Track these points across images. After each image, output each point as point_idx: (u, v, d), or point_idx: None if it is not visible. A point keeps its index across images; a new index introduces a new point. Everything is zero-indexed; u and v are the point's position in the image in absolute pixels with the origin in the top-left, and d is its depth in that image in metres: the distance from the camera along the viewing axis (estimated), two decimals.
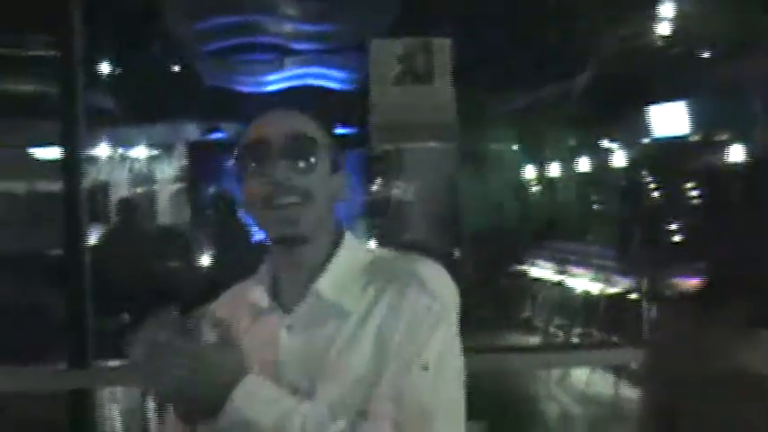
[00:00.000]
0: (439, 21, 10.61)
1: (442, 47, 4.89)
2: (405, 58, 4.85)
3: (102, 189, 17.10)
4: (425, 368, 2.63)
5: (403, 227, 17.59)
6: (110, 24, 12.37)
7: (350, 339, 2.68)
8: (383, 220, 18.43)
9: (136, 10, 13.08)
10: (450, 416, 2.69)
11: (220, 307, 2.88)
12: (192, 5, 13.50)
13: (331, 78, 14.53)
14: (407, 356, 2.62)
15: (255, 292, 2.80)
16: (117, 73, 16.86)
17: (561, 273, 14.64)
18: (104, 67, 16.61)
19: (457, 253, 15.47)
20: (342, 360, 2.65)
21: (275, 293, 2.78)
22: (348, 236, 2.80)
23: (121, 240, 11.05)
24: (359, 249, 2.83)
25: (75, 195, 4.75)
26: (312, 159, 2.67)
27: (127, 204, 13.14)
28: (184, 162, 18.58)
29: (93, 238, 11.26)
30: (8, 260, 12.41)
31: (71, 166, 4.72)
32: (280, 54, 15.53)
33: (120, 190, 17.53)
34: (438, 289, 2.72)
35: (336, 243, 2.77)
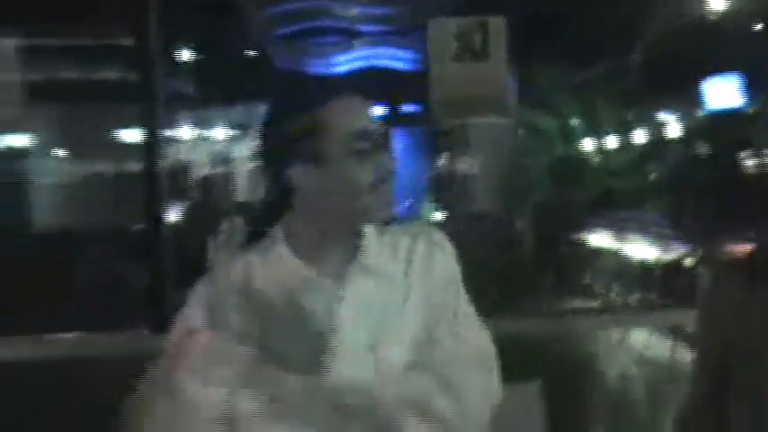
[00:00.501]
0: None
1: (497, 25, 4.86)
2: (461, 36, 4.86)
3: (183, 168, 17.11)
4: (457, 318, 2.74)
5: (468, 199, 17.67)
6: (187, 12, 12.48)
7: (398, 303, 2.74)
8: (450, 193, 18.54)
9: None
10: (483, 362, 2.77)
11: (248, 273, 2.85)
12: None
13: (397, 58, 14.55)
14: (448, 311, 2.73)
15: (299, 264, 2.78)
16: (195, 59, 17.26)
17: (619, 241, 14.63)
18: (184, 54, 16.91)
19: (519, 223, 15.66)
20: (396, 323, 2.71)
21: (319, 265, 2.77)
22: None
23: (200, 216, 11.18)
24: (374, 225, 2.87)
25: (154, 175, 4.73)
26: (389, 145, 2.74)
27: (205, 183, 13.34)
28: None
29: (173, 215, 11.51)
30: (98, 236, 12.58)
31: (151, 148, 4.73)
32: (347, 36, 15.67)
33: (200, 169, 17.64)
34: (451, 251, 2.83)
35: None
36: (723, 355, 2.90)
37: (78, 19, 12.08)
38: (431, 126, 14.24)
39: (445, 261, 2.85)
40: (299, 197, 2.73)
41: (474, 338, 2.85)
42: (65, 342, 4.97)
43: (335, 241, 2.79)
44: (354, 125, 2.63)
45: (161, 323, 4.63)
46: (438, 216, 17.84)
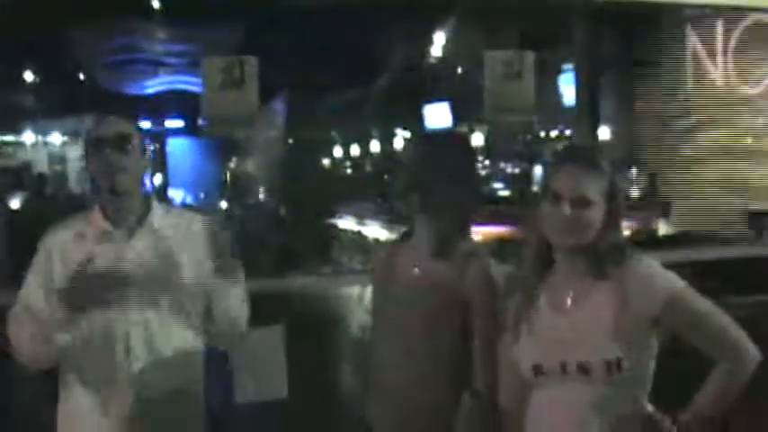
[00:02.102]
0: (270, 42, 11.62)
1: (251, 62, 5.16)
2: (225, 70, 5.15)
3: (25, 166, 17.46)
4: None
5: (248, 192, 18.48)
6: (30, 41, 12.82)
7: (175, 265, 3.19)
8: (236, 188, 19.19)
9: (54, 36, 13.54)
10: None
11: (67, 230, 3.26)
12: (93, 31, 14.15)
13: (192, 84, 14.80)
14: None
15: (102, 221, 3.21)
16: (38, 79, 17.66)
17: (359, 224, 15.52)
18: (28, 76, 17.38)
19: (283, 211, 16.48)
20: (169, 283, 3.18)
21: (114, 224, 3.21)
22: (154, 197, 3.34)
23: (35, 205, 11.41)
24: (162, 204, 3.34)
25: None
26: (127, 151, 3.13)
27: (41, 178, 13.76)
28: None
29: (14, 203, 11.74)
30: None
31: None
32: (155, 66, 16.15)
33: (38, 167, 17.65)
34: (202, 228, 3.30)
35: (148, 200, 3.27)
36: None
37: None
38: (214, 136, 14.81)
39: (209, 234, 3.27)
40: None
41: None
42: None
43: (115, 212, 3.19)
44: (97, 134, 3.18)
45: None
46: (224, 205, 18.33)
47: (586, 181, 2.60)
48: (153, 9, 12.76)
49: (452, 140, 3.38)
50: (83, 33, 14.51)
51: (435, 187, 3.01)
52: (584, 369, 2.58)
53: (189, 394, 3.27)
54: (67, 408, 3.22)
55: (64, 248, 3.19)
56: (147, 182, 3.47)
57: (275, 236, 14.37)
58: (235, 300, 3.28)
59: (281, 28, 13.23)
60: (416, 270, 3.10)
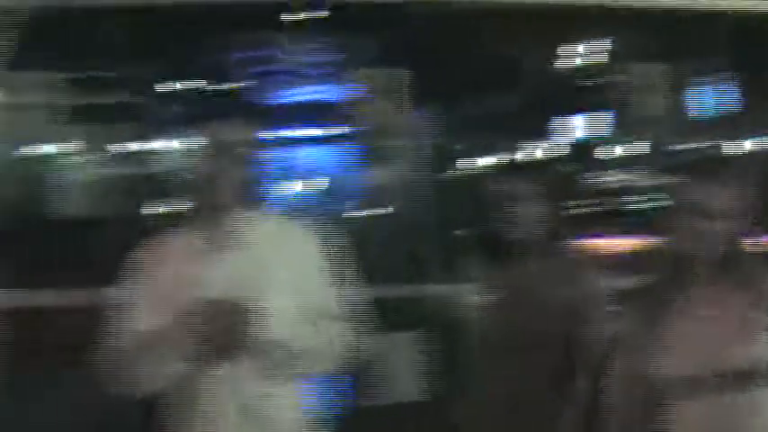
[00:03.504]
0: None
1: (398, 73, 5.00)
2: (373, 80, 5.02)
3: (171, 172, 15.02)
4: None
5: (387, 201, 18.51)
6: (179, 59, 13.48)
7: (270, 283, 3.25)
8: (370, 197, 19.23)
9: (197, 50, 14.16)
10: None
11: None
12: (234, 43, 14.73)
13: (332, 93, 15.04)
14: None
15: (198, 234, 3.24)
16: (185, 89, 16.98)
17: None
18: (177, 85, 16.66)
19: (428, 219, 15.58)
20: (264, 301, 3.19)
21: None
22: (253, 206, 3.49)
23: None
24: (260, 215, 3.42)
25: (142, 176, 4.82)
26: (242, 160, 3.23)
27: (184, 182, 14.30)
28: None
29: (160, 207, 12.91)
30: (106, 219, 13.62)
31: (140, 156, 4.76)
32: (298, 77, 16.59)
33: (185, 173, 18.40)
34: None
35: (247, 210, 3.39)
36: None
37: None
38: (359, 144, 15.01)
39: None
40: None
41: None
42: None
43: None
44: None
45: None
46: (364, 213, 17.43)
47: (727, 195, 2.66)
48: (293, 21, 13.03)
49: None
50: (225, 46, 14.99)
51: None
52: (738, 375, 2.67)
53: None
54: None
55: (159, 261, 3.15)
56: (255, 192, 3.33)
57: (419, 244, 13.90)
58: (321, 332, 3.14)
59: (425, 37, 13.28)
60: None
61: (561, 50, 15.75)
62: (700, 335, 2.73)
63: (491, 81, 16.33)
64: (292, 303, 3.09)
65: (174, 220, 3.41)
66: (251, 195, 3.24)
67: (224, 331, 2.94)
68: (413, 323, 4.89)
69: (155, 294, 3.10)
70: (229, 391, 3.04)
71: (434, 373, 4.96)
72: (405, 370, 4.85)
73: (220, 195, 3.13)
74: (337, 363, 3.22)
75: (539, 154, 20.17)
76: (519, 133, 20.47)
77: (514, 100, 17.52)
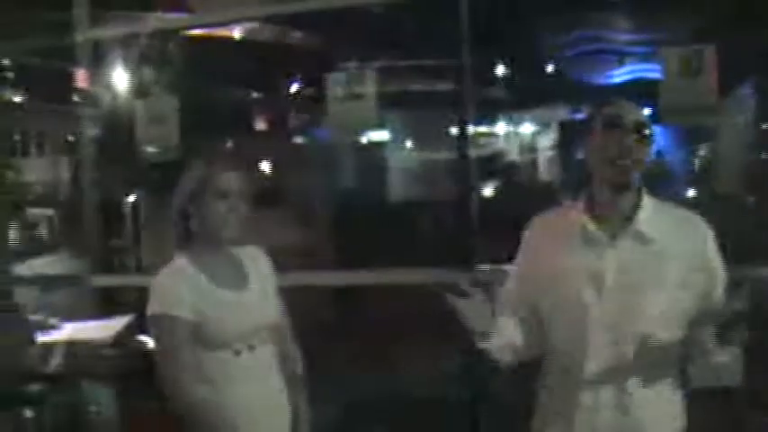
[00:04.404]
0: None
1: (709, 51, 4.63)
2: (683, 59, 4.59)
3: (497, 156, 17.73)
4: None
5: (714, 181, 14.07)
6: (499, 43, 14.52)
7: (659, 276, 2.70)
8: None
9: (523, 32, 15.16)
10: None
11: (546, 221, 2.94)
12: (558, 26, 15.24)
13: (656, 72, 14.26)
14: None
15: (585, 218, 2.77)
16: (507, 73, 17.43)
17: None
18: (498, 69, 17.37)
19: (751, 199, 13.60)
20: (651, 296, 2.70)
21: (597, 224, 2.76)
22: (644, 190, 2.83)
23: (508, 191, 14.35)
24: (653, 200, 2.81)
25: (467, 160, 5.16)
26: (646, 139, 2.73)
27: (512, 166, 16.44)
28: (558, 135, 17.51)
29: (487, 190, 14.42)
30: (433, 203, 13.70)
31: (464, 140, 5.14)
32: (619, 56, 15.44)
33: (510, 156, 17.90)
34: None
35: (639, 194, 2.79)
36: None
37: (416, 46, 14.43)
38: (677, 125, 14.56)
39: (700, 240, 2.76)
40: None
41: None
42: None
43: (609, 207, 2.78)
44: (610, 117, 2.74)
45: (466, 262, 4.98)
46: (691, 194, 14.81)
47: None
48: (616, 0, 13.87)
49: None
50: (550, 27, 16.20)
51: None
52: None
53: None
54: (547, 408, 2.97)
55: (543, 243, 2.87)
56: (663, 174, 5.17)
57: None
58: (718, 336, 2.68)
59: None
60: None
61: None
62: None
63: None
64: (684, 299, 2.72)
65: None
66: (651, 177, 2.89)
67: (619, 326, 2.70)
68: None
69: (539, 272, 2.86)
70: (606, 390, 2.77)
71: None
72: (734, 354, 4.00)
73: (621, 176, 2.72)
74: (734, 372, 3.14)
75: None
76: None
77: None
